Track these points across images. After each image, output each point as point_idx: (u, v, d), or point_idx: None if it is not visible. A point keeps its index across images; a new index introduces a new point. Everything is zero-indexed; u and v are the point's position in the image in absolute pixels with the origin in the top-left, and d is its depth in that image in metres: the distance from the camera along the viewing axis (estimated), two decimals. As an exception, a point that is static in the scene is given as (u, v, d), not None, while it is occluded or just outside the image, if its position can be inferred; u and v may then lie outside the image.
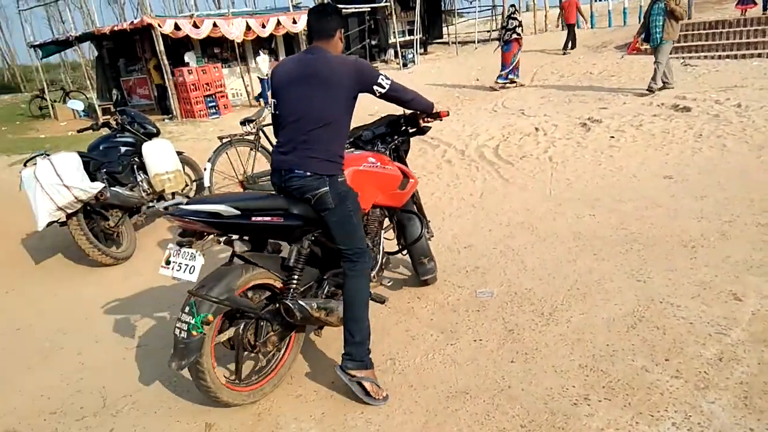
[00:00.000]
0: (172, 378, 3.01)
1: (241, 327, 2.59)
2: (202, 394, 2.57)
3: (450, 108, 10.75)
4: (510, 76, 11.99)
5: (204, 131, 11.73)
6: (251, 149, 5.59)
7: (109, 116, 5.86)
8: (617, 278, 3.50)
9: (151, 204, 5.46)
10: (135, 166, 5.39)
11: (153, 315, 3.84)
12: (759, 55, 11.81)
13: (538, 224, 4.62)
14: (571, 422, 2.30)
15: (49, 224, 4.49)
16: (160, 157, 5.33)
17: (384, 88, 2.68)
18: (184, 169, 5.68)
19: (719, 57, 12.29)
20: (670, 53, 9.70)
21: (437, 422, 2.42)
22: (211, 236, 2.54)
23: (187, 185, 5.86)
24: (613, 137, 7.13)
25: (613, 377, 2.56)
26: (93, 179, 4.72)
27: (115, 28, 13.52)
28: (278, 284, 2.69)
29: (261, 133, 5.67)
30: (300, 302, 2.59)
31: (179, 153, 5.67)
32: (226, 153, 5.46)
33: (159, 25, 12.47)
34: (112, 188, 4.84)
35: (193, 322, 2.35)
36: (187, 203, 2.46)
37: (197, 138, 10.95)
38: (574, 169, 6.04)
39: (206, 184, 5.28)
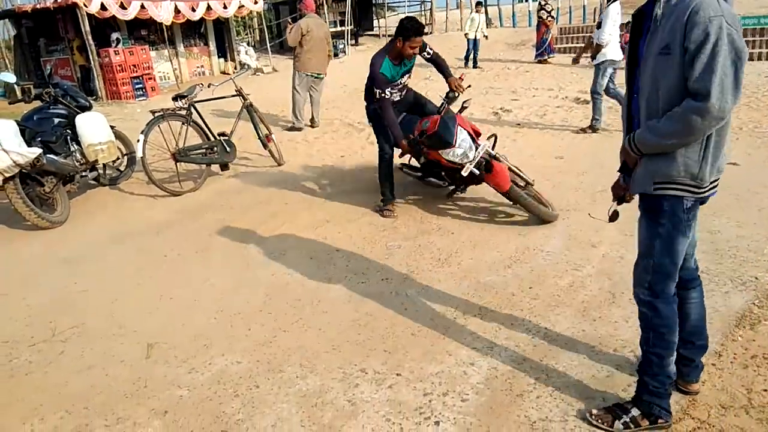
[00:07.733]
0: (114, 313, 3.39)
1: None
2: None
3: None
4: (545, 55, 13.60)
5: (131, 112, 11.70)
6: (183, 124, 5.88)
7: (40, 89, 5.99)
8: (506, 232, 4.18)
9: (84, 173, 5.67)
10: (68, 137, 5.58)
11: (91, 268, 4.15)
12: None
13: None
14: (451, 329, 2.91)
15: (-15, 187, 4.66)
16: (93, 129, 5.57)
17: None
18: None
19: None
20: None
21: (348, 336, 2.97)
22: None
23: (119, 158, 6.10)
24: (519, 125, 7.93)
25: (487, 300, 3.19)
26: (29, 147, 4.91)
27: (38, 6, 13.17)
28: None
29: (193, 109, 5.97)
30: None
31: (111, 127, 5.90)
32: (159, 126, 5.72)
33: (85, 5, 12.28)
34: (48, 155, 5.04)
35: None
36: None
37: (124, 118, 10.92)
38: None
39: (139, 154, 5.53)
